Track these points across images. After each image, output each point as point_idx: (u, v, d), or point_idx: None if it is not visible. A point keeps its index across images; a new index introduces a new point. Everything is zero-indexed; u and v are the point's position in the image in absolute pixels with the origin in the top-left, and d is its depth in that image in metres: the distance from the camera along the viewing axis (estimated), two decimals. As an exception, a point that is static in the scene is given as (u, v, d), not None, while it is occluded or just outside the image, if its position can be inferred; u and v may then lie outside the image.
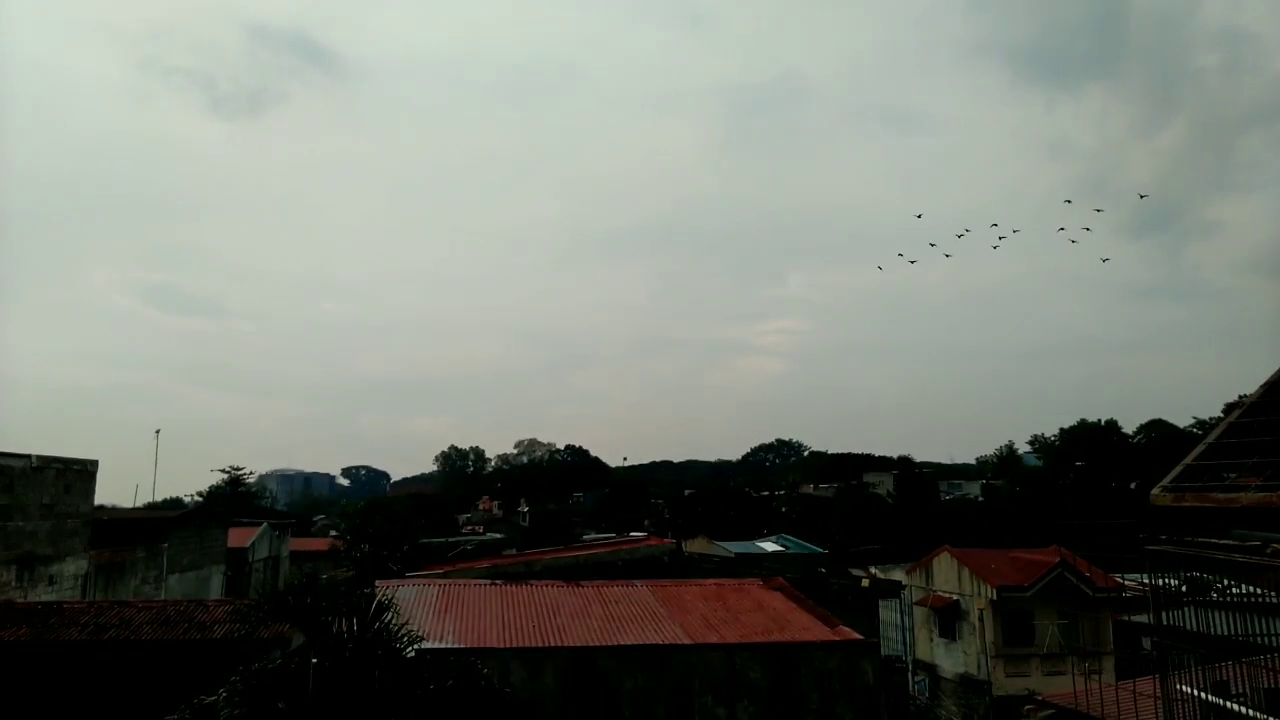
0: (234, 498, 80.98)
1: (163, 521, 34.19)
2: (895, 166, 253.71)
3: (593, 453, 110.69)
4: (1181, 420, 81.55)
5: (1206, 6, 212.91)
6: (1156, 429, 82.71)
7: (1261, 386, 19.31)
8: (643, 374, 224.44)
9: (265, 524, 62.12)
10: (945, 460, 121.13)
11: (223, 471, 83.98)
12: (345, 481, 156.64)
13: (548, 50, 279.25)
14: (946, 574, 42.98)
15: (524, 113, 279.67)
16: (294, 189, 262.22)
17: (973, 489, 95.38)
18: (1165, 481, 19.19)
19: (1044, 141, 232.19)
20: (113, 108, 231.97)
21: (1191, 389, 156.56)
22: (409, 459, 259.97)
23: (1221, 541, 19.93)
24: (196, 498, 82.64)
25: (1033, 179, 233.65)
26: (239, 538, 55.81)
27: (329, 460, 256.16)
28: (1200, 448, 20.48)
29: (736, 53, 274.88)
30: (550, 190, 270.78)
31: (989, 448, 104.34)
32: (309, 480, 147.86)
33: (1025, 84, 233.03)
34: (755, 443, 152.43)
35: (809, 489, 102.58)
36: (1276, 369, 18.72)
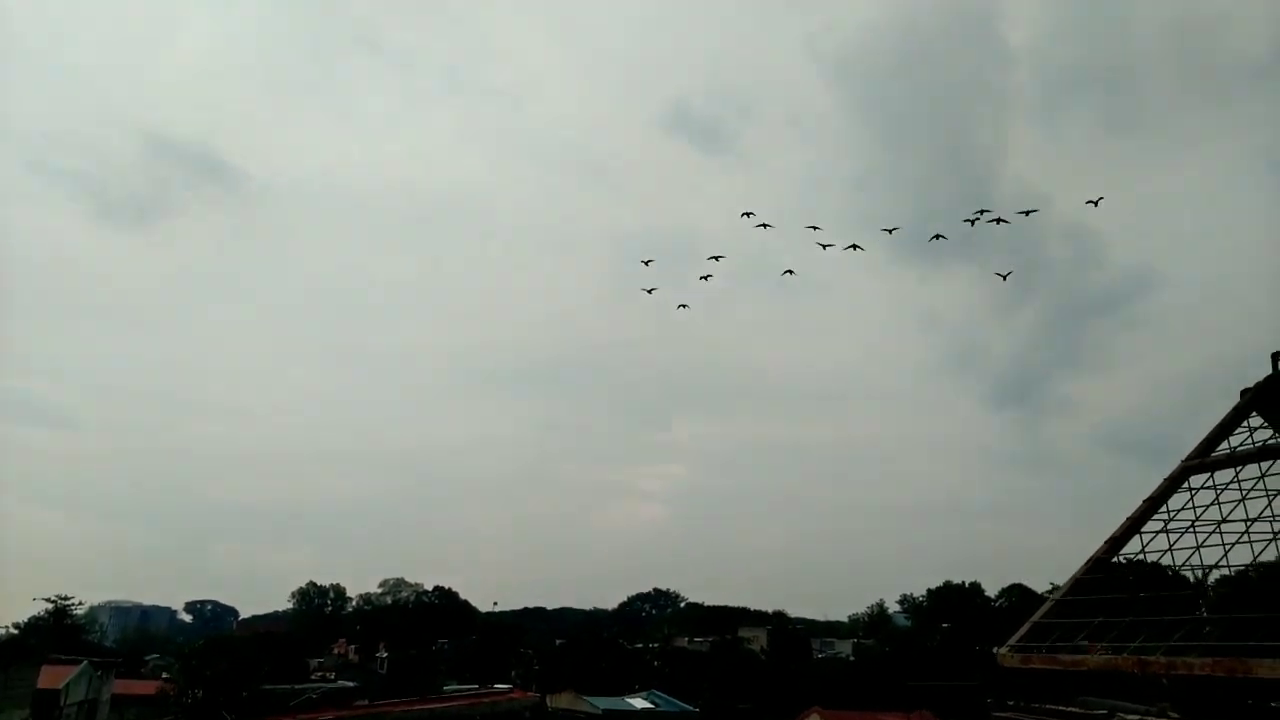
0: (57, 631, 73.64)
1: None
2: (780, 324, 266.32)
3: (462, 595, 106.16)
4: (1040, 585, 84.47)
5: (1057, 204, 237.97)
6: (1017, 593, 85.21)
7: (1106, 542, 19.88)
8: (521, 515, 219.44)
9: (85, 662, 56.37)
10: (819, 617, 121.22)
11: (48, 601, 76.65)
12: (188, 617, 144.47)
13: (451, 186, 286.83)
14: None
15: (424, 246, 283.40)
16: (173, 304, 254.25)
17: (844, 647, 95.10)
18: (1012, 641, 19.10)
19: (917, 313, 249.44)
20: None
21: (1050, 555, 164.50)
22: (262, 595, 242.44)
23: (1067, 709, 19.86)
24: (11, 630, 74.85)
25: (907, 346, 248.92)
26: (52, 678, 50.29)
27: (172, 593, 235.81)
28: (1046, 606, 20.61)
29: (632, 205, 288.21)
30: (438, 322, 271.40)
31: (861, 605, 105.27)
32: (146, 614, 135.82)
33: (901, 258, 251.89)
34: (632, 591, 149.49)
35: (684, 642, 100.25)
36: (1120, 524, 19.41)
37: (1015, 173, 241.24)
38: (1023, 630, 18.40)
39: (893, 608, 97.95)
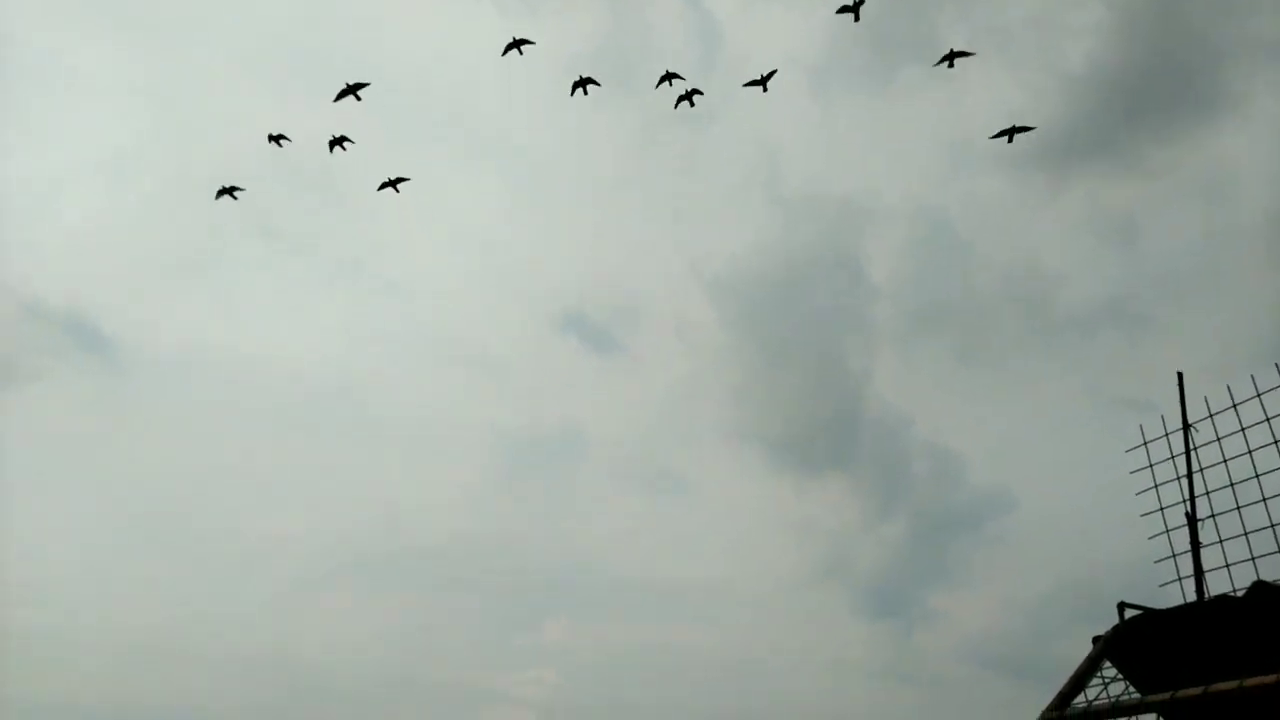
0: None
1: None
2: (659, 526, 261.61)
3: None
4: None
5: (919, 425, 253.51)
6: None
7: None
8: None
9: None
10: None
11: None
12: None
13: (336, 373, 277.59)
14: None
15: (300, 431, 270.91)
16: (12, 473, 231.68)
17: None
18: None
19: (794, 520, 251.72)
20: None
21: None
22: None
23: None
24: None
25: (781, 553, 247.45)
26: None
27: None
28: None
29: (520, 402, 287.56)
30: (308, 513, 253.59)
31: None
32: None
33: (779, 468, 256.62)
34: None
35: None
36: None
37: (881, 393, 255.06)
38: None
39: None
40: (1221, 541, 7.67)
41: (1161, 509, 8.25)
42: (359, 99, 29.97)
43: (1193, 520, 8.03)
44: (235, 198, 33.85)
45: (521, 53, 29.68)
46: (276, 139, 31.72)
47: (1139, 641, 7.40)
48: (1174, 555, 8.04)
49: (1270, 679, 5.42)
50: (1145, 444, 8.49)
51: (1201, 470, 8.09)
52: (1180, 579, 7.97)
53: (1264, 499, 7.27)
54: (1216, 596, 7.38)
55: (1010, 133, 27.95)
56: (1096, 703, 6.93)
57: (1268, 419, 7.35)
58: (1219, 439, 7.87)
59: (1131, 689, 7.11)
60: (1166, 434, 8.40)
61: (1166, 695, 6.11)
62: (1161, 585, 8.12)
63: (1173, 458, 8.29)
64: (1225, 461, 7.79)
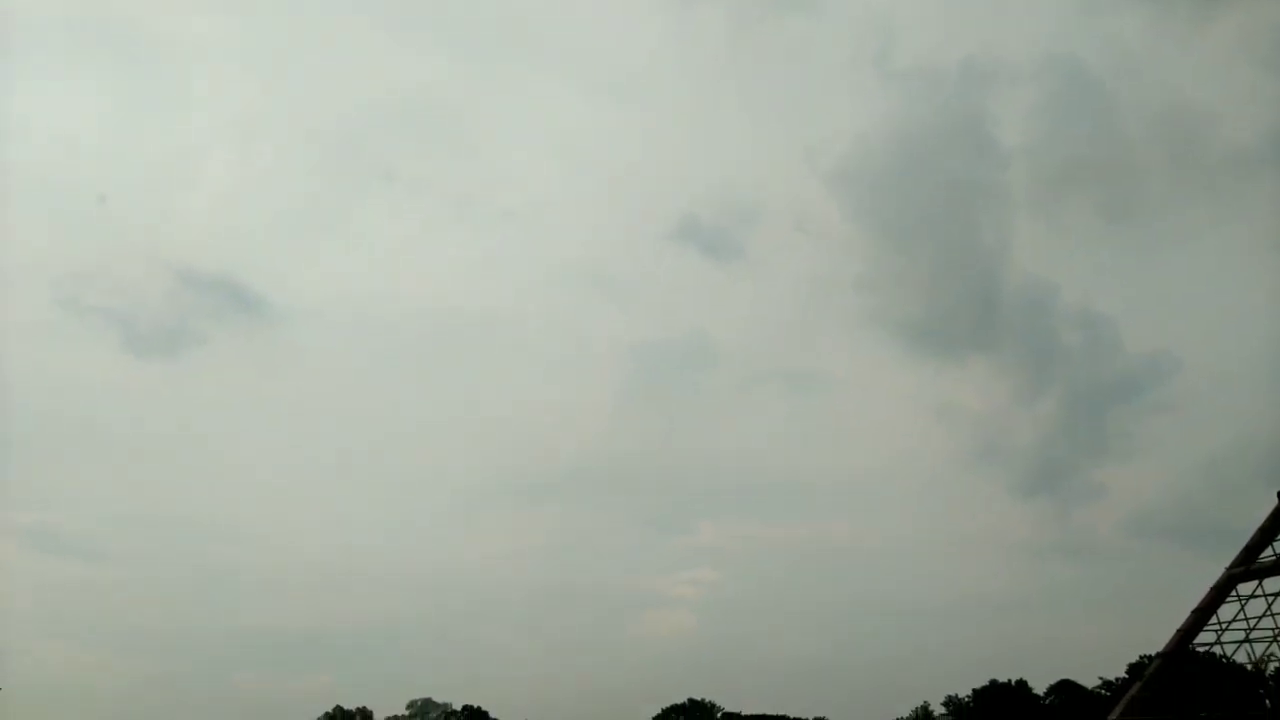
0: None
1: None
2: (800, 424, 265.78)
3: (492, 714, 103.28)
4: (1088, 680, 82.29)
5: (1066, 292, 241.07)
6: (1066, 690, 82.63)
7: (1158, 656, 20.00)
8: (548, 628, 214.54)
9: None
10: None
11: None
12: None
13: (466, 308, 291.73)
14: None
15: (443, 366, 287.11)
16: (197, 429, 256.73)
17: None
18: None
19: (936, 406, 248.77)
20: (17, 344, 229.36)
21: (1095, 648, 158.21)
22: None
23: None
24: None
25: (927, 440, 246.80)
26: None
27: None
28: (1118, 709, 20.62)
29: (645, 316, 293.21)
30: (458, 441, 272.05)
31: (904, 707, 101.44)
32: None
33: (916, 354, 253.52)
34: (666, 702, 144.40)
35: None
36: (1168, 642, 19.47)
37: (1021, 266, 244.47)
38: None
39: (937, 709, 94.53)
40: None
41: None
42: None
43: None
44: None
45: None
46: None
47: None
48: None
49: None
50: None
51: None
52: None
53: None
54: None
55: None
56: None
57: None
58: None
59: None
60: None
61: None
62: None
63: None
64: None
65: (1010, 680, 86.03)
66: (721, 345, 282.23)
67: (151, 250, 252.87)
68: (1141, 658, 73.51)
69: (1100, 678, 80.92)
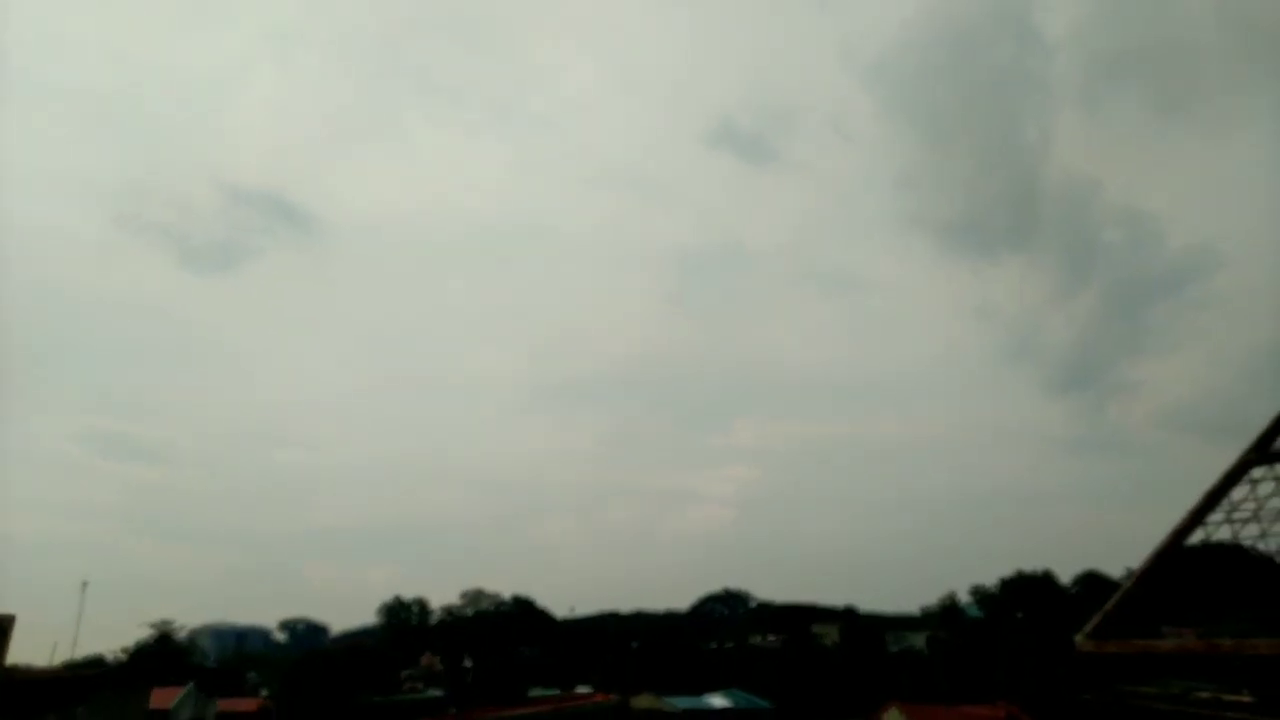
0: (162, 655, 77.89)
1: (79, 682, 32.95)
2: (835, 325, 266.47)
3: (539, 603, 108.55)
4: (1114, 570, 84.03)
5: (1108, 188, 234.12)
6: (1091, 580, 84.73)
7: (1170, 534, 21.44)
8: (592, 523, 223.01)
9: (190, 684, 59.97)
10: (890, 610, 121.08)
11: (151, 627, 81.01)
12: (282, 636, 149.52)
13: (511, 215, 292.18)
14: (894, 729, 43.03)
15: (486, 272, 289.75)
16: (256, 339, 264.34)
17: (917, 640, 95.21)
18: (1087, 629, 20.88)
19: (972, 305, 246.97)
20: (80, 260, 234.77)
21: (1122, 540, 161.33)
22: (352, 611, 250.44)
23: (1144, 689, 21.53)
24: (121, 655, 79.21)
25: (963, 339, 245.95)
26: (162, 699, 53.77)
27: (267, 612, 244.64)
28: (1117, 595, 22.41)
29: (682, 219, 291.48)
30: (506, 344, 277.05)
31: (932, 597, 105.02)
32: (243, 635, 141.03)
33: (952, 253, 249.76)
34: (703, 592, 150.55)
35: (757, 640, 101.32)
36: (1182, 517, 20.86)
37: (1062, 161, 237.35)
38: (1096, 618, 20.09)
39: (964, 599, 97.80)
40: None
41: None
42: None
43: None
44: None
45: None
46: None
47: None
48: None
49: None
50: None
51: None
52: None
53: None
54: None
55: None
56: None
57: None
58: None
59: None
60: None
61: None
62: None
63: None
64: None
65: (1036, 571, 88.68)
66: (759, 248, 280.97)
67: (202, 166, 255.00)
68: (1167, 549, 74.82)
69: (1126, 568, 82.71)
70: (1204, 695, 17.57)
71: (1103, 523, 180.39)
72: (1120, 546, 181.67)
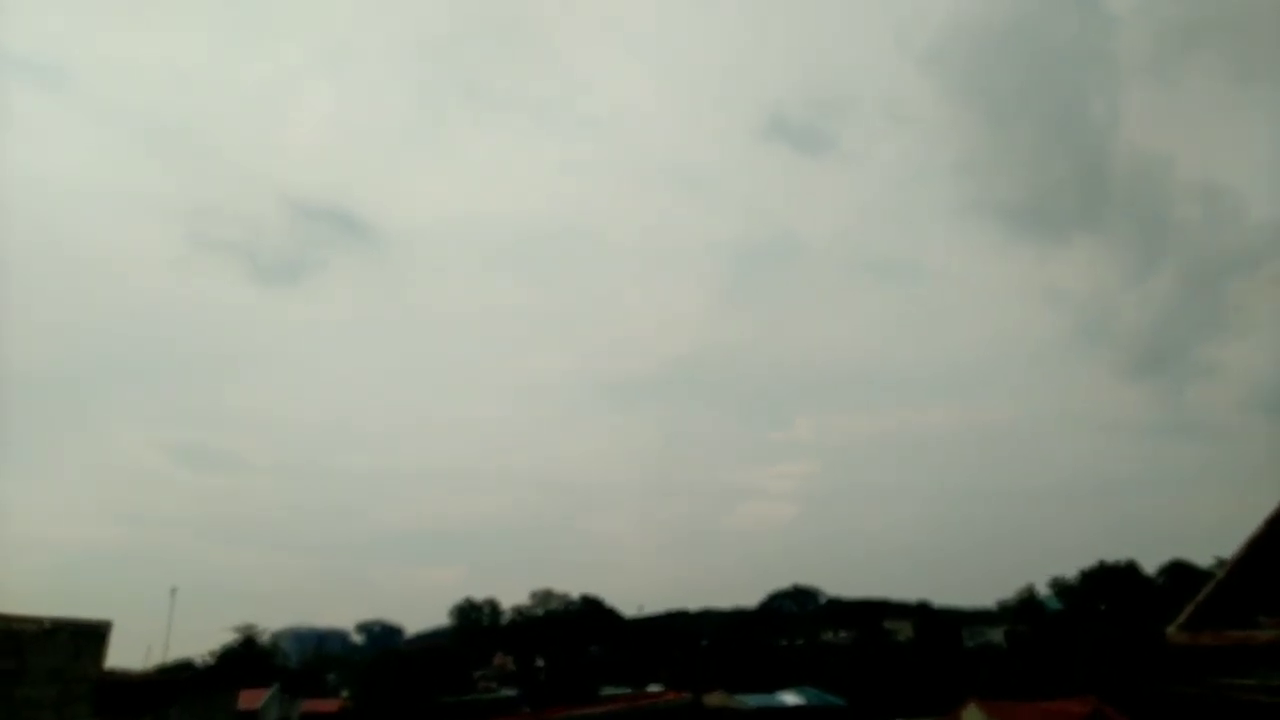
0: (247, 658, 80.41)
1: (171, 685, 34.28)
2: (895, 316, 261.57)
3: (607, 602, 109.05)
4: (1204, 560, 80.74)
5: (1181, 164, 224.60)
6: (1178, 571, 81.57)
7: (1264, 522, 20.49)
8: (655, 521, 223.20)
9: (276, 685, 61.89)
10: (964, 604, 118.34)
11: (236, 631, 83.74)
12: (359, 638, 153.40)
13: (562, 217, 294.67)
14: (970, 727, 41.85)
15: (539, 275, 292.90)
16: (323, 349, 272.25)
17: (995, 635, 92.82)
18: (1180, 620, 20.06)
19: (1038, 290, 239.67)
20: (156, 278, 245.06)
21: (1210, 528, 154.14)
22: (424, 612, 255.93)
23: (1242, 682, 20.62)
24: (208, 659, 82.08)
25: (1030, 325, 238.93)
26: (249, 700, 55.51)
27: (343, 615, 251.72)
28: (1210, 586, 21.53)
29: (734, 215, 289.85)
30: (562, 345, 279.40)
31: (1008, 591, 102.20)
32: (322, 637, 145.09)
33: (1016, 237, 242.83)
34: (771, 589, 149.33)
35: (829, 636, 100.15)
36: (1277, 504, 19.92)
37: (1132, 138, 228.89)
38: (1189, 609, 19.24)
39: (1043, 591, 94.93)
40: None
41: None
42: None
43: None
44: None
45: None
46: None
47: None
48: None
49: None
50: None
51: None
52: None
53: None
54: None
55: None
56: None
57: None
58: None
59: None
60: None
61: None
62: None
63: None
64: None
65: (1120, 561, 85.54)
66: (815, 241, 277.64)
67: (265, 181, 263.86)
68: (1260, 536, 71.62)
69: (1215, 557, 79.35)
70: None
71: (1187, 511, 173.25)
72: (1207, 534, 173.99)
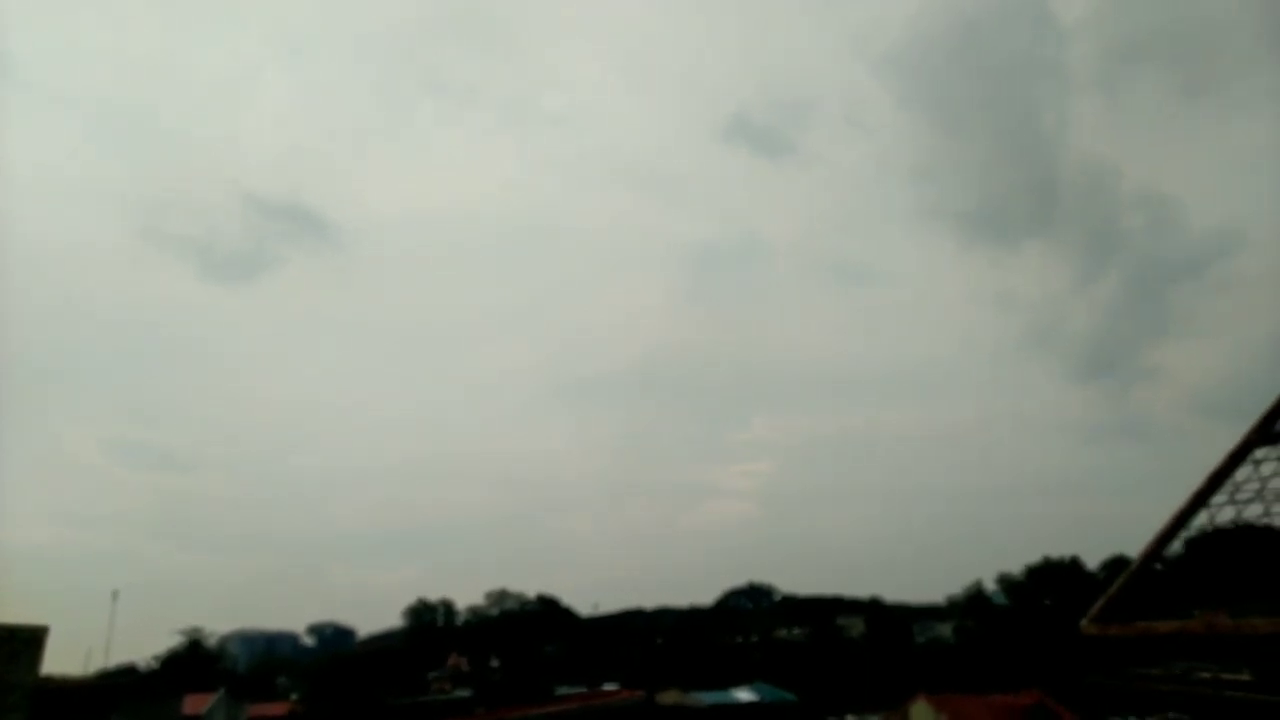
0: (193, 662, 78.97)
1: (113, 690, 33.53)
2: (852, 318, 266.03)
3: (564, 601, 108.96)
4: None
5: (1128, 173, 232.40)
6: (1119, 566, 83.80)
7: (1172, 517, 21.19)
8: (614, 519, 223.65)
9: (222, 690, 60.82)
10: (915, 600, 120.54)
11: (181, 634, 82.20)
12: (310, 640, 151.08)
13: (524, 214, 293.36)
14: (922, 721, 42.72)
15: (500, 272, 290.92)
16: (278, 346, 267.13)
17: (944, 630, 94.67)
18: (1091, 612, 20.62)
19: (991, 294, 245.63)
20: (106, 272, 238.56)
21: (1154, 526, 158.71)
22: (377, 614, 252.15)
23: (1151, 671, 21.53)
24: (152, 663, 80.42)
25: (984, 328, 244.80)
26: (195, 705, 54.56)
27: (294, 617, 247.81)
28: (1121, 579, 22.18)
29: (697, 215, 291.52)
30: (523, 343, 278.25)
31: (956, 586, 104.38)
32: (272, 640, 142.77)
33: (970, 242, 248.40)
34: (727, 586, 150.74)
35: (783, 633, 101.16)
36: (1186, 499, 20.62)
37: (1080, 148, 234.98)
38: (1100, 602, 19.93)
39: (990, 587, 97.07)
40: None
41: None
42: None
43: None
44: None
45: None
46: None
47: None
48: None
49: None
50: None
51: None
52: None
53: None
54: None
55: None
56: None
57: None
58: None
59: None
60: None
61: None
62: None
63: None
64: None
65: (1064, 558, 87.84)
66: (774, 242, 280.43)
67: (221, 175, 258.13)
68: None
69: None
70: (1205, 675, 17.50)
71: (1131, 510, 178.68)
72: (1150, 532, 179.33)
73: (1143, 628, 17.74)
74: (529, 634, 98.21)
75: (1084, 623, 20.48)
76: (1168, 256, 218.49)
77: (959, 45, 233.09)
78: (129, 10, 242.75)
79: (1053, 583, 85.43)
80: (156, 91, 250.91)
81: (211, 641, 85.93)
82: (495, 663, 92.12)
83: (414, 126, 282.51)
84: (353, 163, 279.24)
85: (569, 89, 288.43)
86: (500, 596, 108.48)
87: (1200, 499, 19.31)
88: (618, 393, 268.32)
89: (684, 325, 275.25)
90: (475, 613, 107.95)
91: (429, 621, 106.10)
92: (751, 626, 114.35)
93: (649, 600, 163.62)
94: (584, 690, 69.23)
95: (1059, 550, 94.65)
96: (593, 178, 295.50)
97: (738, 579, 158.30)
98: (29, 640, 24.66)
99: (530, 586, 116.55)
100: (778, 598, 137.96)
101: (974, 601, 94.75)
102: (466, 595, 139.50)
